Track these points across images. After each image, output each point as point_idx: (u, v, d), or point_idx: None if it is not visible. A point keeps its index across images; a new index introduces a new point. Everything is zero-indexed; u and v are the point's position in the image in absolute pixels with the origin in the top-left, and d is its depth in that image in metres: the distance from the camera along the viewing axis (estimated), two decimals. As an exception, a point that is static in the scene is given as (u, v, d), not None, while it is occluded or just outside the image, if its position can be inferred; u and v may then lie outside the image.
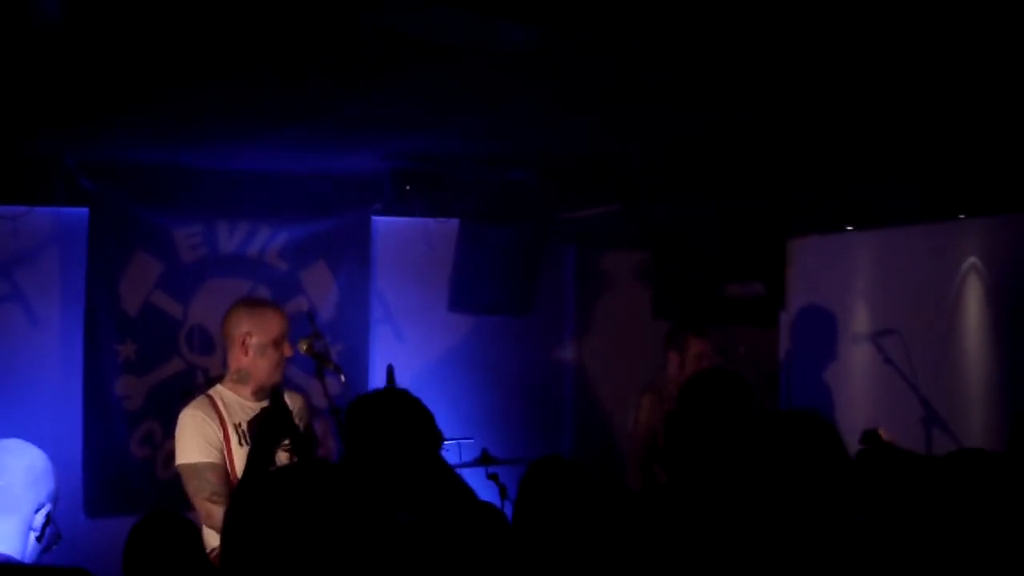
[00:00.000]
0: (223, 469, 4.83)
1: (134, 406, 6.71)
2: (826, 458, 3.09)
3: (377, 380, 7.40)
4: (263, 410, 4.80)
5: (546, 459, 3.54)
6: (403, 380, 7.59)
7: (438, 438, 3.75)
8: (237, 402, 4.97)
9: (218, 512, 4.68)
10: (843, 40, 3.87)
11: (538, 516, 3.33)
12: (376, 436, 3.72)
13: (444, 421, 6.39)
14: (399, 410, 3.79)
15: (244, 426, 4.94)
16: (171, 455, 6.65)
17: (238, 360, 5.03)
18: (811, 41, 3.88)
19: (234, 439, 4.89)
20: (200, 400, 4.98)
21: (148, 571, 3.44)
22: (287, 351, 5.02)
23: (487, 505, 3.55)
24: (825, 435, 3.14)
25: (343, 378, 5.38)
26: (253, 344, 4.97)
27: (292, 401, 5.02)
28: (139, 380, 6.74)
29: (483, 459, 6.70)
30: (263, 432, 4.67)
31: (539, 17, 3.60)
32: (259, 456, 4.60)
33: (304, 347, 5.14)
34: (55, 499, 3.25)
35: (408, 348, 7.69)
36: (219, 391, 5.02)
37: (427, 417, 3.79)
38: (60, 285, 6.77)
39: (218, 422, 4.89)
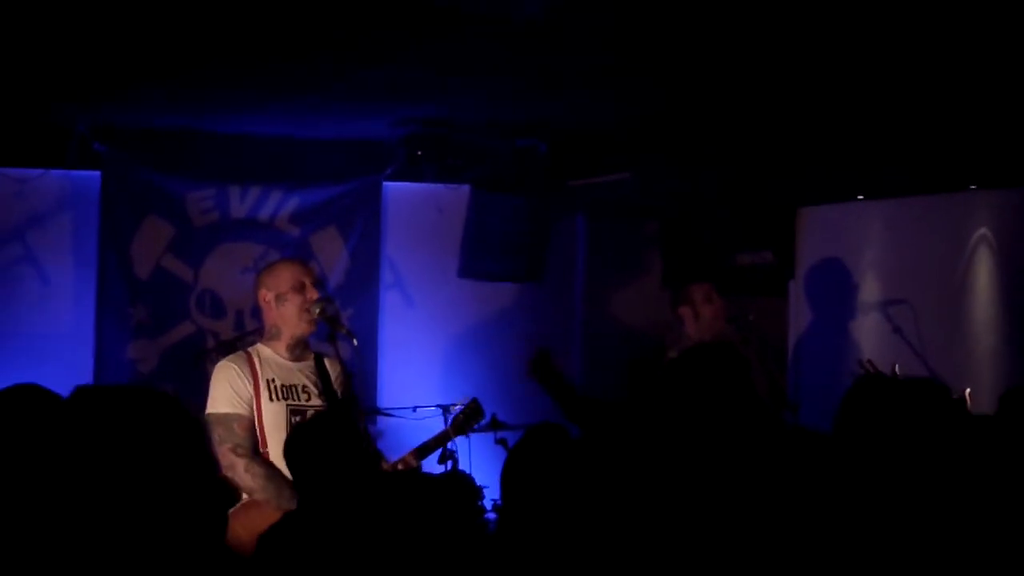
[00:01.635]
0: (250, 422, 4.91)
1: (147, 368, 6.75)
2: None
3: (387, 344, 7.43)
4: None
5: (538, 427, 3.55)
6: (412, 346, 7.67)
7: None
8: (273, 358, 5.05)
9: (240, 464, 4.79)
10: (853, 13, 3.87)
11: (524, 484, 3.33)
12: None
13: (453, 385, 6.47)
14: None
15: (276, 382, 5.01)
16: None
17: (267, 318, 5.13)
18: (823, 13, 3.88)
19: (264, 394, 4.96)
20: (236, 354, 5.10)
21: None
22: (311, 294, 5.07)
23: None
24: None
25: (355, 342, 5.41)
26: (272, 298, 5.06)
27: (331, 367, 5.12)
28: (151, 343, 6.78)
29: (492, 424, 6.73)
30: None
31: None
32: None
33: (316, 311, 5.18)
34: None
35: (417, 314, 7.71)
36: (257, 348, 5.11)
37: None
38: (72, 248, 6.79)
39: (250, 376, 4.97)
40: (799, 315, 8.03)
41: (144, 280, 6.77)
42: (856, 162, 6.72)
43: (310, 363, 5.18)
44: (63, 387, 6.42)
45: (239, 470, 4.81)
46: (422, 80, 5.19)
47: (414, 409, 6.63)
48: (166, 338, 6.83)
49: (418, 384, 7.04)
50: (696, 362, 4.00)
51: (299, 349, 5.12)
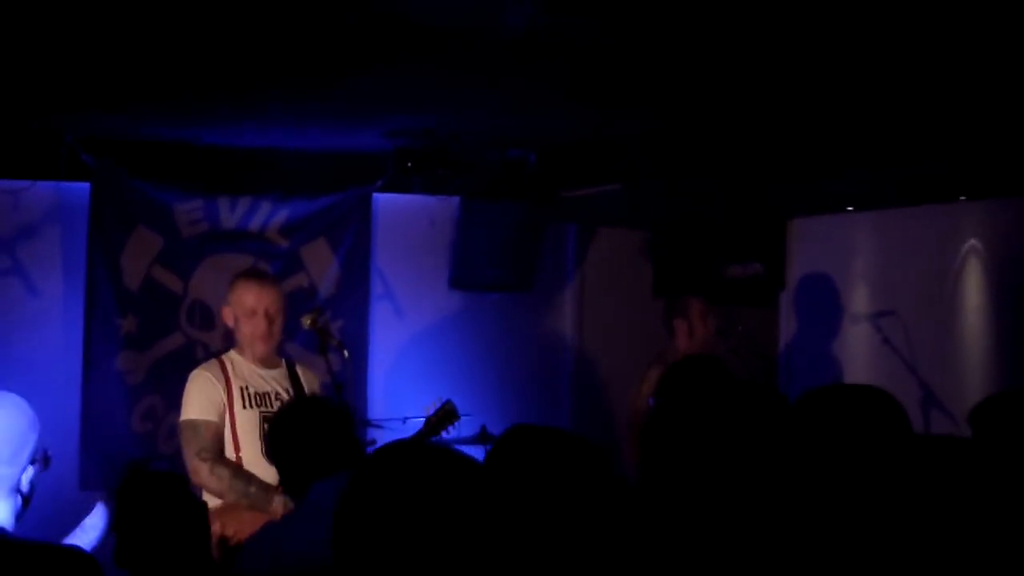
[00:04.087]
0: (218, 428, 4.99)
1: (135, 380, 6.72)
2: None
3: (377, 356, 7.43)
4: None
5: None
6: (403, 356, 7.66)
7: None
8: (245, 366, 5.13)
9: (203, 468, 4.85)
10: (842, 23, 3.87)
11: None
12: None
13: (443, 398, 6.43)
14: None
15: (250, 389, 5.06)
16: (173, 430, 6.71)
17: (234, 331, 5.29)
18: (811, 24, 3.88)
19: (238, 402, 5.02)
20: (210, 362, 5.20)
21: (140, 528, 3.44)
22: (260, 324, 5.13)
23: None
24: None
25: (346, 354, 5.44)
26: (231, 316, 5.23)
27: (304, 374, 5.18)
28: (140, 355, 6.75)
29: (482, 436, 6.71)
30: None
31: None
32: None
33: (308, 323, 5.22)
34: (39, 456, 3.23)
35: (408, 325, 7.71)
36: (231, 355, 5.20)
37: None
38: (61, 259, 6.76)
39: (224, 383, 5.05)
40: (789, 326, 8.05)
41: (133, 291, 6.75)
42: (846, 173, 6.72)
43: (282, 370, 5.24)
44: (51, 399, 6.43)
45: (204, 474, 4.86)
46: (411, 93, 5.19)
47: (404, 420, 6.61)
48: (155, 350, 6.80)
49: (408, 395, 7.02)
50: (685, 376, 4.01)
51: (268, 360, 5.19)
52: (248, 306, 5.18)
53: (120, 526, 3.47)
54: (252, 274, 5.55)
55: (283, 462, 3.91)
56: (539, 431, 2.97)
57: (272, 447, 3.97)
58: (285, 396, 5.14)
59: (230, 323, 5.29)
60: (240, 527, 4.66)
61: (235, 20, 3.94)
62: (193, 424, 5.00)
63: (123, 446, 6.61)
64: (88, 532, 4.06)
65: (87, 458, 6.58)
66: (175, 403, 6.17)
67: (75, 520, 4.72)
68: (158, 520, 3.28)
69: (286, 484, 3.96)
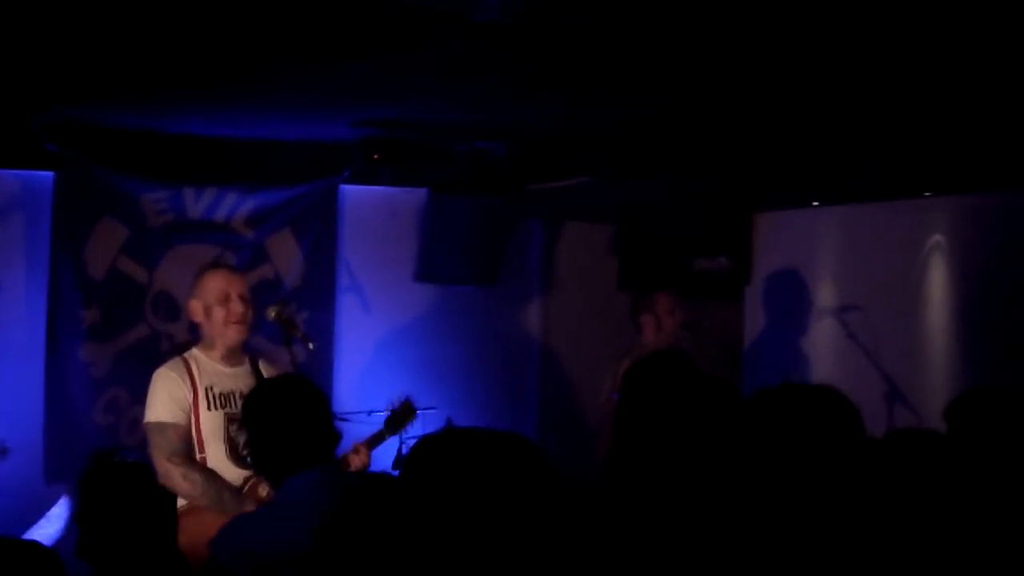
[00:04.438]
0: (187, 430, 4.94)
1: (100, 372, 6.67)
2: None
3: (343, 348, 7.41)
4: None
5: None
6: (369, 349, 7.65)
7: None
8: (210, 365, 5.07)
9: (176, 472, 4.81)
10: (811, 19, 3.88)
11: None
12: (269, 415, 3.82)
13: (409, 390, 6.43)
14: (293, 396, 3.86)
15: (215, 390, 5.01)
16: (136, 422, 6.64)
17: (200, 326, 5.21)
18: (780, 19, 3.89)
19: (203, 403, 4.98)
20: (174, 361, 5.12)
21: (105, 520, 3.40)
22: (235, 307, 5.09)
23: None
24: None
25: (311, 346, 5.41)
26: (200, 309, 5.13)
27: (267, 370, 5.12)
28: (104, 346, 6.70)
29: (447, 429, 6.70)
30: None
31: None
32: None
33: (272, 314, 5.19)
34: None
35: (374, 317, 7.70)
36: (194, 354, 5.14)
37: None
38: (25, 249, 6.69)
39: (189, 384, 5.00)
40: (754, 320, 8.08)
41: (98, 282, 6.69)
42: (811, 168, 6.75)
43: (246, 367, 5.20)
44: (14, 390, 6.38)
45: (176, 478, 4.82)
46: (378, 82, 5.17)
47: (369, 413, 6.59)
48: (120, 341, 6.75)
49: (374, 388, 7.00)
50: (650, 372, 4.02)
51: (234, 356, 5.15)
52: (221, 291, 5.14)
53: (84, 517, 3.44)
54: (218, 264, 5.56)
55: (263, 444, 3.83)
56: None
57: (251, 426, 3.88)
58: None
59: (198, 317, 5.21)
60: (203, 529, 4.65)
61: (202, 7, 3.91)
62: (161, 427, 4.96)
63: (87, 438, 6.56)
64: (52, 523, 4.04)
65: (51, 450, 6.53)
66: (139, 395, 6.12)
67: (40, 512, 4.70)
68: (124, 511, 3.26)
69: (264, 470, 3.91)
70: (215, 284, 5.20)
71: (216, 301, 5.13)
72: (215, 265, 5.52)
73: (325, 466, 3.72)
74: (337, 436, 3.85)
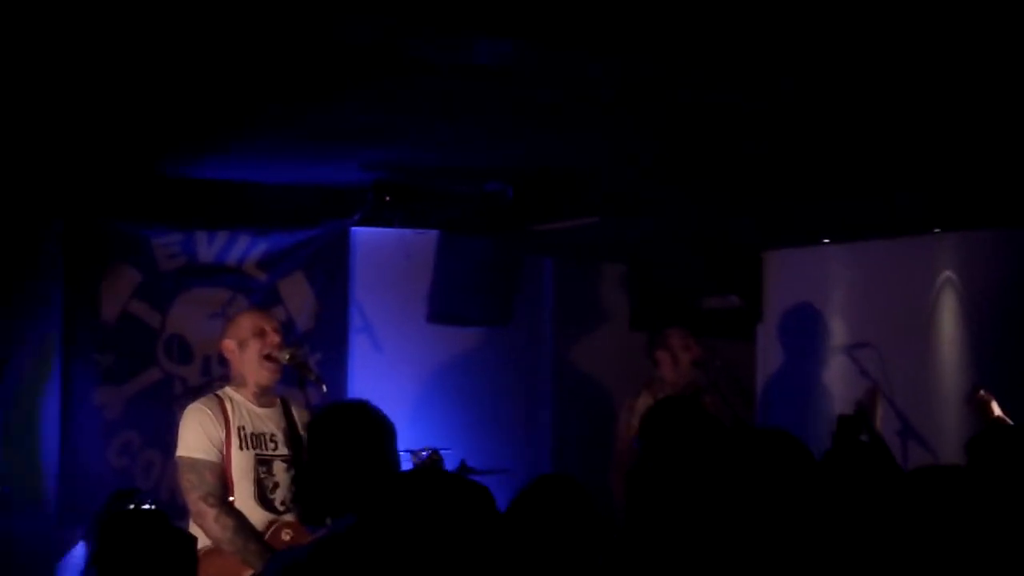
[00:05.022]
0: (220, 468, 4.89)
1: (112, 416, 6.68)
2: (795, 478, 3.12)
3: (356, 390, 7.41)
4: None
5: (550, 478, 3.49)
6: (381, 390, 7.60)
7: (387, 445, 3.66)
8: (243, 404, 5.05)
9: (210, 514, 4.77)
10: (818, 56, 3.90)
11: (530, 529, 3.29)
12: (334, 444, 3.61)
13: (422, 432, 6.45)
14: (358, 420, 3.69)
15: (247, 430, 5.00)
16: (150, 464, 6.64)
17: (233, 367, 5.15)
18: (787, 56, 3.91)
19: (235, 442, 4.95)
20: (208, 397, 5.09)
21: (121, 566, 3.37)
22: (272, 339, 5.08)
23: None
24: (796, 454, 3.18)
25: (324, 388, 5.40)
26: (235, 346, 5.09)
27: (298, 414, 5.10)
28: (117, 389, 6.71)
29: (461, 470, 6.71)
30: None
31: (515, 31, 3.63)
32: None
33: (287, 356, 5.17)
34: None
35: (386, 359, 7.69)
36: (227, 392, 5.11)
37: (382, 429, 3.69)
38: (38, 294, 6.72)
39: (223, 421, 4.97)
40: (767, 359, 8.06)
41: (111, 326, 6.71)
42: (821, 206, 6.76)
43: (278, 409, 5.17)
44: (28, 434, 6.33)
45: (208, 520, 4.78)
46: (384, 125, 5.20)
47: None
48: (133, 384, 6.76)
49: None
50: (665, 420, 4.05)
51: (266, 396, 5.12)
52: (256, 326, 5.13)
53: (100, 564, 3.43)
54: (252, 306, 5.61)
55: (325, 473, 3.59)
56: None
57: (316, 449, 3.65)
58: (280, 436, 5.08)
59: (232, 355, 5.14)
60: (223, 572, 4.64)
61: (212, 54, 3.95)
62: (195, 464, 4.89)
63: (100, 481, 6.55)
64: (69, 570, 4.03)
65: (64, 493, 6.53)
66: (151, 438, 6.14)
67: (52, 555, 4.69)
68: (140, 559, 3.24)
69: (313, 503, 3.73)
70: (249, 321, 5.19)
71: (251, 335, 5.11)
72: (249, 308, 5.60)
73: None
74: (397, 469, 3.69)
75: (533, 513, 3.27)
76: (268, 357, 5.07)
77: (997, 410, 5.78)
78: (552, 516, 3.22)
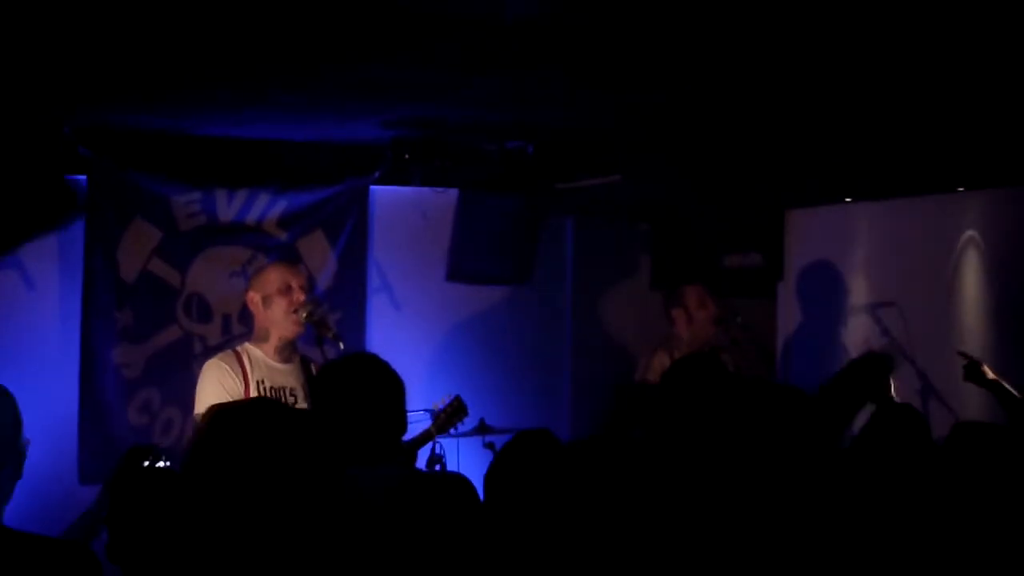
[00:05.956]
0: None
1: (132, 374, 6.71)
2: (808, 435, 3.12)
3: (374, 348, 7.41)
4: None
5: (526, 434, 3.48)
6: (400, 349, 7.63)
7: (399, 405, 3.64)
8: (262, 359, 5.09)
9: None
10: (842, 16, 3.86)
11: (511, 490, 3.29)
12: (342, 396, 3.60)
13: (441, 390, 6.45)
14: (367, 374, 3.66)
15: (266, 383, 5.03)
16: (170, 422, 6.65)
17: (256, 320, 5.26)
18: (811, 16, 3.87)
19: (254, 395, 4.97)
20: (226, 353, 5.15)
21: (134, 524, 3.37)
22: (298, 296, 5.12)
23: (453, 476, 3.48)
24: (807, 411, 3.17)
25: (342, 346, 5.42)
26: (259, 300, 5.16)
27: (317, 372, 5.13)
28: (137, 348, 6.74)
29: (480, 428, 6.72)
30: None
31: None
32: None
33: (305, 314, 5.20)
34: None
35: (405, 317, 7.70)
36: (246, 347, 5.17)
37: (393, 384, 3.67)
38: (58, 251, 6.75)
39: (241, 376, 5.02)
40: (787, 317, 8.04)
41: (130, 284, 6.73)
42: (844, 164, 6.72)
43: (297, 365, 5.21)
44: (48, 392, 6.42)
45: None
46: (409, 81, 5.17)
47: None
48: (152, 343, 6.79)
49: (407, 387, 7.02)
50: (681, 380, 4.03)
51: (287, 351, 5.16)
52: (283, 282, 5.19)
53: (113, 521, 3.44)
54: (280, 259, 5.63)
55: (332, 425, 3.56)
56: None
57: (320, 403, 3.66)
58: (300, 392, 5.12)
59: (256, 308, 5.25)
60: None
61: (232, 10, 3.92)
62: None
63: (121, 439, 6.59)
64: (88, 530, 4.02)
65: (85, 451, 6.57)
66: (171, 396, 6.13)
67: (74, 512, 4.71)
68: (152, 517, 3.25)
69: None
70: (277, 275, 5.25)
71: (277, 292, 5.18)
72: (278, 260, 5.63)
73: (393, 465, 3.55)
74: (405, 427, 3.68)
75: (511, 468, 3.27)
76: (293, 312, 5.11)
77: (991, 373, 5.74)
78: (529, 471, 3.22)
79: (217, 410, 2.94)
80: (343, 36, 4.25)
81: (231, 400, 4.93)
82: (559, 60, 4.59)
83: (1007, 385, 5.62)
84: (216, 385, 5.03)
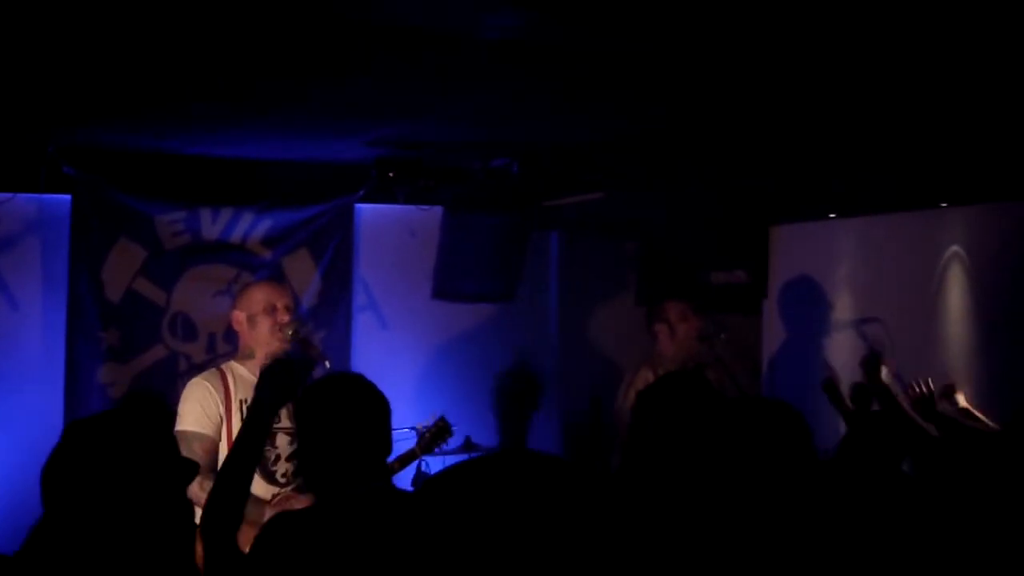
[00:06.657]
0: (212, 442, 4.92)
1: (118, 393, 6.70)
2: (791, 448, 3.12)
3: (360, 367, 7.40)
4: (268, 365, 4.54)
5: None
6: (386, 367, 7.63)
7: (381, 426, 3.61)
8: (247, 378, 5.07)
9: (192, 485, 4.73)
10: (827, 32, 3.88)
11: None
12: (326, 417, 3.54)
13: (427, 407, 6.43)
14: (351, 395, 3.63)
15: (249, 402, 4.99)
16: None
17: (241, 339, 5.25)
18: (795, 32, 3.88)
19: (236, 415, 4.97)
20: (210, 372, 5.13)
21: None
22: (282, 316, 5.12)
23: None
24: (793, 425, 3.17)
25: (328, 364, 5.41)
26: (244, 319, 5.17)
27: None
28: (122, 367, 6.73)
29: (466, 446, 6.71)
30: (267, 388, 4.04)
31: (525, 3, 3.60)
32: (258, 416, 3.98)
33: (289, 332, 5.20)
34: None
35: (391, 335, 7.70)
36: (231, 365, 5.15)
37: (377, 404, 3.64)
38: (42, 272, 6.74)
39: (223, 395, 5.00)
40: (773, 333, 8.05)
41: (115, 304, 6.72)
42: (828, 181, 6.73)
43: None
44: (33, 413, 6.38)
45: (193, 488, 4.78)
46: (391, 101, 5.18)
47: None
48: (138, 362, 6.78)
49: (392, 406, 7.01)
50: (663, 396, 4.03)
51: None
52: (267, 301, 5.18)
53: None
54: (265, 278, 5.64)
55: (316, 449, 3.53)
56: None
57: (304, 425, 3.58)
58: (284, 411, 5.09)
59: (241, 327, 5.24)
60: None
61: (214, 30, 3.93)
62: (184, 436, 4.91)
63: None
64: None
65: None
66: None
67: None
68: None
69: (312, 477, 3.61)
70: (262, 295, 5.24)
71: (262, 311, 5.17)
72: (261, 279, 5.68)
73: (378, 486, 3.54)
74: (390, 448, 3.64)
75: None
76: (278, 331, 5.12)
77: (886, 376, 5.78)
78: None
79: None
80: (319, 55, 4.25)
81: (208, 420, 4.94)
82: (540, 78, 4.59)
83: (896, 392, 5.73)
84: (195, 404, 5.01)
